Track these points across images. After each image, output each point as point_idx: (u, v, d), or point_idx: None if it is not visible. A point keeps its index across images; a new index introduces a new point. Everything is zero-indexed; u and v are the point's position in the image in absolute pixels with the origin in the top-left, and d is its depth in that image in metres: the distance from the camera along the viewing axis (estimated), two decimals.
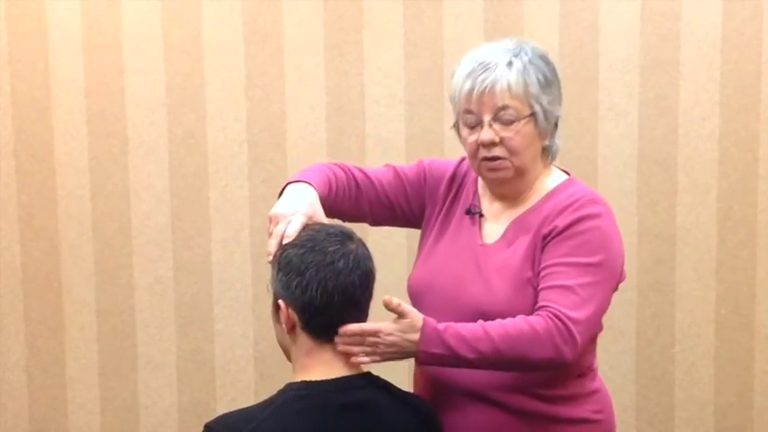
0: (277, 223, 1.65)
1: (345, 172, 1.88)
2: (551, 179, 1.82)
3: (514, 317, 1.66)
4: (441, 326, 1.62)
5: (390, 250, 2.75)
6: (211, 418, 1.56)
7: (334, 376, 1.58)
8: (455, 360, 1.62)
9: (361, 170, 1.91)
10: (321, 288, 1.54)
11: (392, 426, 1.61)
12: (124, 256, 2.89)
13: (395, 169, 1.92)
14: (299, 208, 1.67)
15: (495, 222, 1.81)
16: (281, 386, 1.60)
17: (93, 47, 2.84)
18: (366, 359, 1.59)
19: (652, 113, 2.69)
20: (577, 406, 1.77)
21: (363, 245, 1.62)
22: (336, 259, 1.55)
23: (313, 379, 1.57)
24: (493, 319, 1.66)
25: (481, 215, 1.83)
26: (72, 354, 2.94)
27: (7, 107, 2.88)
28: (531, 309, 1.68)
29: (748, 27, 2.63)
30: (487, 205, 1.83)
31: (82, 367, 2.94)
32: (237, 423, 1.53)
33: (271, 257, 1.61)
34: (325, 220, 1.71)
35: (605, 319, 2.80)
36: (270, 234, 1.65)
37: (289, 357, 1.65)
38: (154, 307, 2.90)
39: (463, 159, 1.89)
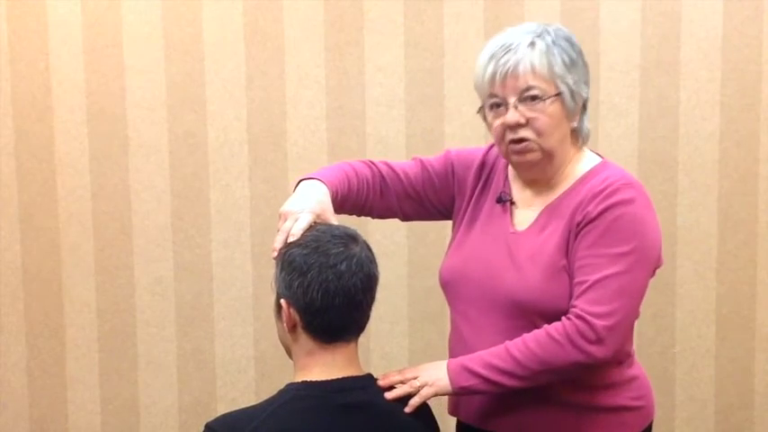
0: (286, 220, 1.64)
1: (371, 168, 1.86)
2: (584, 163, 1.77)
3: (549, 305, 1.67)
4: (463, 359, 1.66)
5: (390, 250, 2.75)
6: (212, 418, 1.56)
7: (334, 377, 1.58)
8: (490, 386, 1.65)
9: (387, 165, 1.88)
10: (322, 290, 1.54)
11: (392, 426, 1.61)
12: (124, 256, 2.89)
13: (422, 162, 1.90)
14: (308, 206, 1.66)
15: (527, 209, 1.78)
16: (281, 386, 1.60)
17: (94, 47, 2.84)
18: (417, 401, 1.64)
19: (652, 113, 2.69)
20: (616, 394, 1.75)
21: (368, 248, 1.62)
22: (339, 261, 1.55)
23: (314, 379, 1.57)
24: (528, 308, 1.68)
25: (512, 202, 1.80)
26: (72, 354, 2.94)
27: (8, 107, 2.88)
28: (566, 296, 1.67)
29: (749, 27, 2.63)
30: (518, 192, 1.80)
31: (82, 367, 2.94)
32: (238, 423, 1.53)
33: (275, 254, 1.61)
34: (334, 219, 1.70)
35: None
36: (278, 230, 1.65)
37: (290, 355, 1.65)
38: (154, 307, 2.90)
39: (491, 147, 1.86)
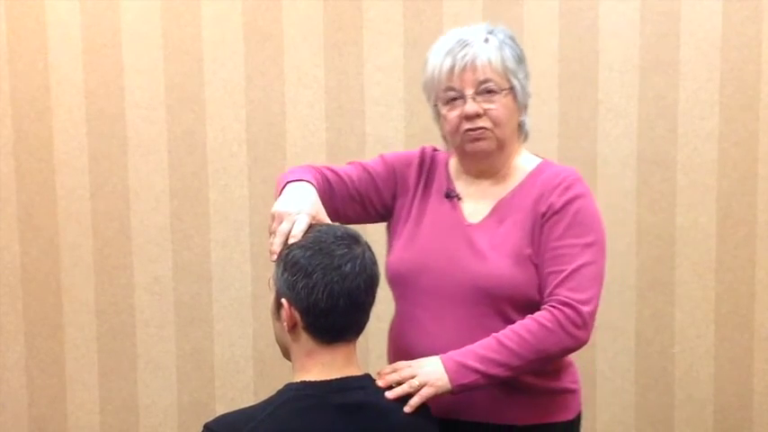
0: (281, 221, 1.65)
1: (320, 172, 1.89)
2: (526, 160, 1.88)
3: (517, 291, 1.75)
4: (456, 353, 1.68)
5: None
6: (211, 418, 1.56)
7: (333, 377, 1.58)
8: (488, 381, 1.69)
9: (331, 169, 1.92)
10: (327, 291, 1.54)
11: (391, 426, 1.61)
12: (124, 256, 2.89)
13: (362, 165, 1.94)
14: (304, 207, 1.68)
15: (476, 202, 1.85)
16: (280, 386, 1.59)
17: (93, 47, 2.84)
18: (417, 400, 1.64)
19: (651, 113, 2.69)
20: (559, 378, 1.84)
21: (369, 248, 1.62)
22: (344, 263, 1.55)
23: (313, 379, 1.57)
24: (495, 295, 1.74)
25: (459, 198, 1.87)
26: (72, 354, 2.94)
27: (7, 107, 2.88)
28: (532, 284, 1.76)
29: (748, 27, 2.64)
30: (464, 188, 1.88)
31: (82, 367, 2.94)
32: (237, 423, 1.53)
33: (275, 257, 1.61)
34: (328, 220, 1.71)
35: (605, 319, 2.81)
36: (272, 232, 1.65)
37: (285, 354, 1.65)
38: (153, 307, 2.90)
39: (424, 148, 1.95)
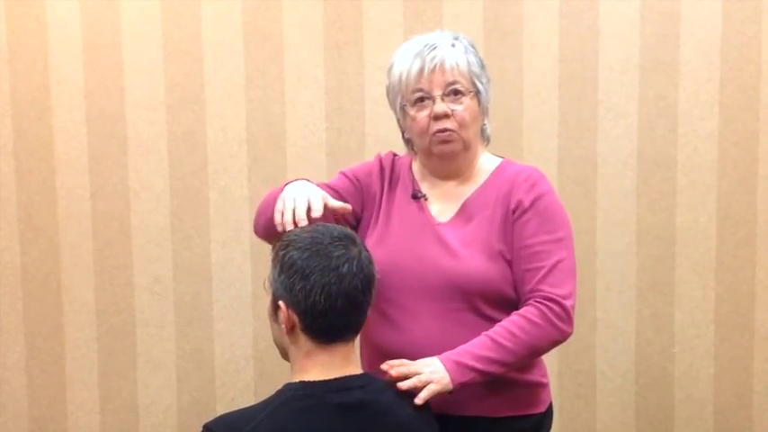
0: (293, 203, 1.69)
1: None
2: (488, 159, 1.94)
3: (490, 286, 1.80)
4: (452, 353, 1.72)
5: None
6: (211, 418, 1.56)
7: (332, 376, 1.58)
8: (486, 378, 1.74)
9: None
10: (325, 293, 1.54)
11: (391, 426, 1.61)
12: (124, 256, 2.89)
13: (327, 185, 1.95)
14: (314, 191, 1.75)
15: (443, 203, 1.91)
16: (280, 386, 1.60)
17: (93, 47, 2.84)
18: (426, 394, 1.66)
19: (651, 114, 2.69)
20: (531, 372, 1.89)
21: (366, 248, 1.62)
22: (341, 264, 1.55)
23: (312, 379, 1.57)
24: (469, 291, 1.80)
25: (426, 198, 1.92)
26: (72, 354, 2.94)
27: (7, 107, 2.88)
28: (505, 279, 1.82)
29: (748, 27, 2.63)
30: (429, 189, 1.93)
31: (82, 367, 2.94)
32: (236, 423, 1.53)
33: (290, 227, 1.65)
34: (337, 203, 1.77)
35: (605, 319, 2.81)
36: (282, 211, 1.69)
37: (284, 356, 1.65)
38: (153, 307, 2.90)
39: (380, 156, 2.00)
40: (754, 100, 2.65)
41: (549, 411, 1.97)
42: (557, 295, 1.78)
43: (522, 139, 2.71)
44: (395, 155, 2.02)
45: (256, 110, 2.81)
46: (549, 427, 1.97)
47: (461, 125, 1.84)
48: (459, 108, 1.83)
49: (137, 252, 2.89)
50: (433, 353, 1.75)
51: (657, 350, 2.76)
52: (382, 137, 2.77)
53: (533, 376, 1.90)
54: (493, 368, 1.73)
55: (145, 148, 2.86)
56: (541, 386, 1.93)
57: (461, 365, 1.71)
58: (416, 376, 1.67)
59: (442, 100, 1.82)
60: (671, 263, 2.72)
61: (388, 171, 1.98)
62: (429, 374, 1.68)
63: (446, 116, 1.83)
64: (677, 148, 2.69)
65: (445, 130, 1.84)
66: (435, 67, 1.82)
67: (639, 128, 2.69)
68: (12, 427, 2.98)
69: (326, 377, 1.57)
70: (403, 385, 1.65)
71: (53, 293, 2.93)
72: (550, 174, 2.69)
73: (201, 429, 1.54)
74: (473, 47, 1.89)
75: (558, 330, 1.79)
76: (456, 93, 1.83)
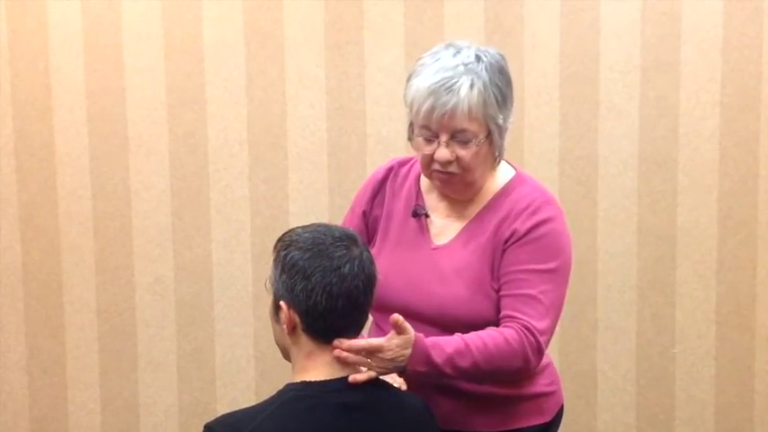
0: None
1: None
2: (499, 177, 1.87)
3: (476, 317, 1.75)
4: (429, 342, 1.67)
5: None
6: (211, 419, 1.56)
7: (333, 376, 1.58)
8: (438, 376, 1.69)
9: None
10: (326, 293, 1.54)
11: (391, 426, 1.61)
12: (124, 256, 2.89)
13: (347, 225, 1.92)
14: None
15: (446, 219, 1.86)
16: (281, 386, 1.60)
17: (94, 47, 2.84)
18: (363, 377, 1.60)
19: (652, 114, 2.69)
20: (535, 382, 1.86)
21: (367, 249, 1.62)
22: (342, 264, 1.55)
23: (313, 379, 1.57)
24: (455, 321, 1.75)
25: (427, 215, 1.87)
26: (72, 354, 2.94)
27: (7, 107, 2.88)
28: (490, 310, 1.77)
29: (749, 27, 2.63)
30: (434, 202, 1.88)
31: (82, 367, 2.94)
32: (237, 423, 1.53)
33: None
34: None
35: (605, 319, 2.82)
36: None
37: (286, 356, 1.65)
38: (154, 307, 2.90)
39: (376, 173, 1.96)
40: (756, 100, 2.65)
41: (557, 419, 1.92)
42: (534, 328, 1.72)
43: (523, 140, 2.71)
44: (401, 163, 1.95)
45: (257, 110, 2.81)
46: None
47: (465, 170, 1.77)
48: (464, 153, 1.75)
49: (138, 252, 2.89)
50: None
51: (658, 350, 2.76)
52: (383, 137, 2.77)
53: (537, 388, 1.86)
54: (452, 373, 1.68)
55: (146, 148, 2.86)
56: (545, 396, 1.88)
57: (427, 355, 1.65)
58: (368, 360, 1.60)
59: (447, 145, 1.75)
60: (672, 263, 2.72)
61: (389, 185, 1.93)
62: (385, 353, 1.62)
63: (449, 162, 1.76)
64: (678, 149, 2.69)
65: (446, 172, 1.78)
66: (446, 114, 1.72)
67: (640, 128, 2.69)
68: (12, 427, 2.98)
69: (328, 377, 1.57)
70: (338, 354, 1.57)
71: (54, 293, 2.93)
72: (551, 174, 2.70)
73: (203, 429, 1.54)
74: (500, 72, 1.78)
75: (525, 361, 1.72)
76: (463, 140, 1.75)
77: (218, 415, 1.59)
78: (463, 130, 1.74)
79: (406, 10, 2.73)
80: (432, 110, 1.73)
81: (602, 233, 2.72)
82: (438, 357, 1.66)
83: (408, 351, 1.64)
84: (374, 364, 1.61)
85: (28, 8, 2.84)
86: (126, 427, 2.95)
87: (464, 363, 1.67)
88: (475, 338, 1.70)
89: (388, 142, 2.76)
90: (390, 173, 1.95)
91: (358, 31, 2.75)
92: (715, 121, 2.67)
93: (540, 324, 1.73)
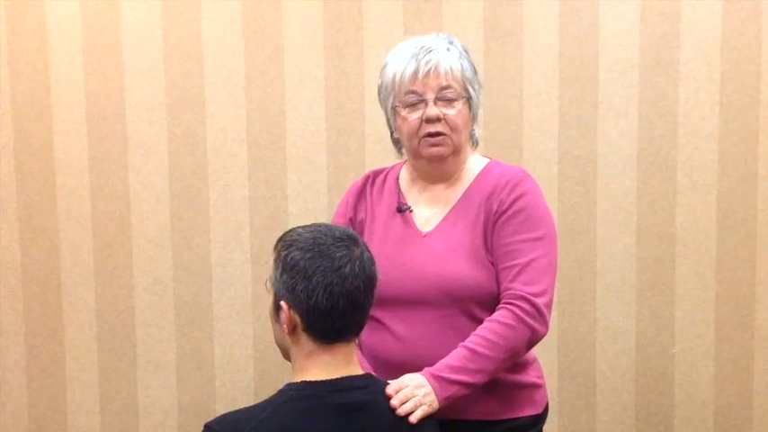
0: None
1: None
2: (476, 161, 1.96)
3: (480, 288, 1.81)
4: (434, 371, 1.72)
5: None
6: (211, 418, 1.56)
7: (334, 376, 1.58)
8: (467, 388, 1.73)
9: None
10: (327, 293, 1.54)
11: (392, 426, 1.61)
12: (124, 256, 2.89)
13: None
14: None
15: (430, 208, 1.92)
16: (281, 386, 1.60)
17: (93, 47, 2.84)
18: (420, 413, 1.65)
19: (652, 113, 2.69)
20: (526, 373, 1.92)
21: (368, 249, 1.62)
22: (343, 264, 1.55)
23: (313, 379, 1.57)
24: (460, 295, 1.80)
25: (410, 210, 1.93)
26: (72, 354, 2.94)
27: (7, 107, 2.88)
28: (490, 282, 1.83)
29: (748, 27, 2.64)
30: (416, 195, 1.96)
31: (82, 367, 2.94)
32: (237, 423, 1.53)
33: None
34: None
35: (605, 319, 2.81)
36: None
37: (286, 356, 1.65)
38: (153, 307, 2.90)
39: (351, 188, 2.04)
40: (755, 100, 2.65)
41: (545, 413, 1.97)
42: (528, 293, 1.78)
43: (523, 140, 2.71)
44: (376, 173, 2.04)
45: (256, 110, 2.81)
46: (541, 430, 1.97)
47: (453, 129, 1.86)
48: (451, 112, 1.85)
49: (137, 252, 2.89)
50: (428, 358, 1.75)
51: (657, 350, 2.76)
52: (382, 137, 2.75)
53: (528, 377, 1.91)
54: (475, 378, 1.74)
55: (145, 149, 2.86)
56: (536, 387, 1.94)
57: (443, 380, 1.71)
58: (412, 399, 1.65)
59: (435, 104, 1.85)
60: (671, 263, 2.72)
61: (369, 191, 2.01)
62: (421, 397, 1.68)
63: (438, 120, 1.84)
64: (677, 148, 2.69)
65: (437, 133, 1.86)
66: (430, 70, 1.84)
67: (640, 128, 2.69)
68: (12, 427, 2.98)
69: (328, 377, 1.57)
70: (402, 411, 1.63)
71: (53, 293, 2.93)
72: (550, 174, 2.70)
73: (203, 428, 1.54)
74: (466, 52, 1.91)
75: (530, 329, 1.78)
76: (449, 97, 1.85)
77: (218, 414, 1.59)
78: (447, 87, 1.84)
79: (405, 10, 2.73)
80: (416, 70, 1.84)
81: (602, 233, 2.73)
82: (450, 373, 1.71)
83: (427, 387, 1.68)
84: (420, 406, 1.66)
85: (27, 8, 2.85)
86: (125, 426, 2.95)
87: (478, 364, 1.73)
88: (474, 338, 1.75)
89: (387, 142, 2.73)
90: (368, 181, 2.03)
91: (357, 32, 2.75)
92: (714, 120, 2.67)
93: (534, 288, 1.79)
